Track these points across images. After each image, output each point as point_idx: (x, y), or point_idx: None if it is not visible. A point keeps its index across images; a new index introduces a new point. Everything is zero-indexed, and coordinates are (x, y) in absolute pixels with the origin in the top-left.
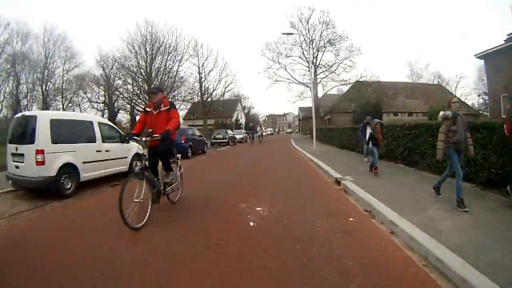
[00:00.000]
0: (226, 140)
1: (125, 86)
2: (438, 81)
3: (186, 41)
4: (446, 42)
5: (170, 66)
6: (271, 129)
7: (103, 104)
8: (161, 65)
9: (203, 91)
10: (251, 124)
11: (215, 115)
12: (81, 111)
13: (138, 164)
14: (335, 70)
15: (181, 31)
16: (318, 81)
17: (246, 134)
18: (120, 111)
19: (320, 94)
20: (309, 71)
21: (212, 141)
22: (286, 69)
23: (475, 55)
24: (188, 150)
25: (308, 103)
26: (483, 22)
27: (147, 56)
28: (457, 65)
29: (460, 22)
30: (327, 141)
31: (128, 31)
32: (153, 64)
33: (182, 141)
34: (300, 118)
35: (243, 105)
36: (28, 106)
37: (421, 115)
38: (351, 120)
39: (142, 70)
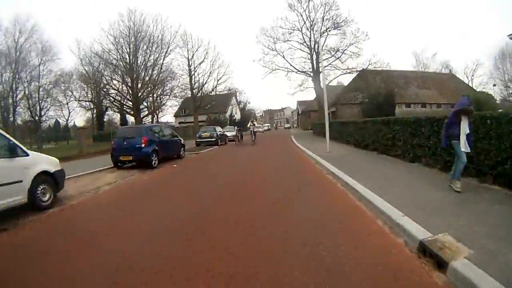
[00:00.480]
0: (214, 139)
1: (112, 82)
2: (450, 70)
3: (173, 30)
4: (455, 31)
5: (156, 58)
6: (269, 124)
7: (90, 103)
8: (147, 57)
9: (193, 85)
10: (236, 120)
11: (207, 110)
12: (69, 111)
13: None
14: (339, 57)
15: (167, 19)
16: (321, 69)
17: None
18: (108, 109)
19: (322, 85)
20: (310, 57)
21: (197, 140)
22: (284, 57)
23: (508, 35)
24: (152, 157)
25: (308, 96)
26: (494, 12)
27: (130, 48)
28: (467, 54)
29: (469, 11)
30: (338, 138)
31: (110, 21)
32: (137, 57)
33: (142, 145)
34: (299, 112)
35: (238, 100)
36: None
37: (435, 106)
38: (359, 112)
39: (124, 63)
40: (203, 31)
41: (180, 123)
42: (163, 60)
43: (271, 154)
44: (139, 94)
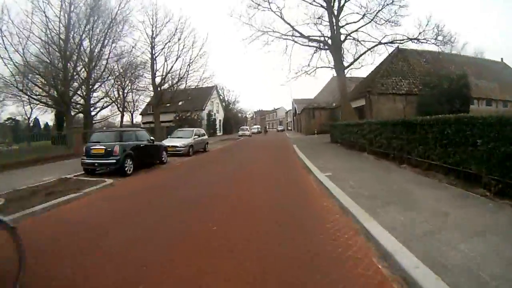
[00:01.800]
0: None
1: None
2: (502, 58)
3: None
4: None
5: (101, 38)
6: (258, 126)
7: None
8: (89, 36)
9: (154, 72)
10: (216, 120)
11: (179, 107)
12: (31, 108)
13: None
14: (373, 19)
15: None
16: (342, 37)
17: (195, 139)
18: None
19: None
20: (329, 17)
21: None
22: (281, 15)
23: None
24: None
25: (308, 93)
26: None
27: (60, 21)
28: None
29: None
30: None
31: None
32: (71, 34)
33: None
34: (296, 112)
35: (222, 97)
36: None
37: (501, 104)
38: (406, 108)
39: (54, 46)
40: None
41: (145, 123)
42: (111, 41)
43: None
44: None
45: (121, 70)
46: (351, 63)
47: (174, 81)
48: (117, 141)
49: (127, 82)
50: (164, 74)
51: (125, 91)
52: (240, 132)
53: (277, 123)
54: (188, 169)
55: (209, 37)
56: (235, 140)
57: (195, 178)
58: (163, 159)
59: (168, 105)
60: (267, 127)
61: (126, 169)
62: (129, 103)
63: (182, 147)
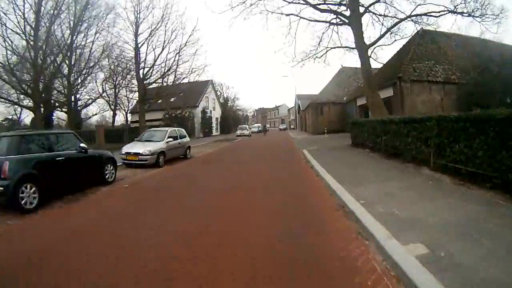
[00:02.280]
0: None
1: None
2: None
3: None
4: None
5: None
6: (259, 125)
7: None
8: (61, 21)
9: (139, 64)
10: (212, 118)
11: (170, 105)
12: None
13: None
14: None
15: None
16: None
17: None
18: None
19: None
20: None
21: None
22: None
23: None
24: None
25: (312, 90)
26: None
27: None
28: None
29: None
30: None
31: None
32: (42, 21)
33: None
34: (300, 108)
35: (218, 92)
36: None
37: None
38: (445, 99)
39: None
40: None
41: (134, 122)
42: (90, 28)
43: None
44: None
45: (112, 66)
46: (377, 40)
47: (161, 73)
48: (11, 154)
49: (119, 78)
50: (150, 65)
51: (116, 87)
52: (239, 132)
53: (279, 121)
54: (141, 198)
55: (205, 29)
56: (231, 141)
57: (134, 230)
58: (107, 176)
59: (159, 101)
60: (268, 125)
61: (23, 201)
62: (123, 100)
63: (148, 155)
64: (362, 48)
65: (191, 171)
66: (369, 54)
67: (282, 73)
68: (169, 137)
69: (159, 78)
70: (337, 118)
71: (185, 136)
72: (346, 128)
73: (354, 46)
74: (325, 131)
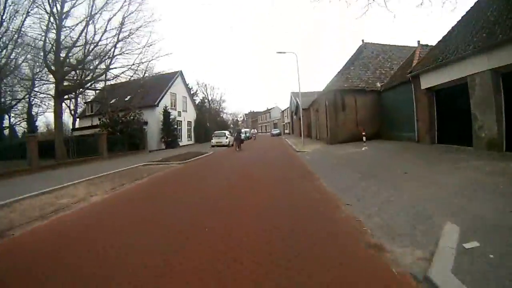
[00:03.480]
0: None
1: None
2: None
3: None
4: None
5: None
6: (247, 129)
7: None
8: None
9: (60, 40)
10: (174, 121)
11: (115, 104)
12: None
13: None
14: None
15: None
16: None
17: None
18: None
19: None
20: None
21: None
22: None
23: None
24: None
25: (312, 89)
26: None
27: None
28: None
29: None
30: None
31: None
32: None
33: None
34: (297, 109)
35: (193, 90)
36: None
37: None
38: None
39: None
40: None
41: (79, 129)
42: None
43: None
44: None
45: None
46: None
47: (95, 55)
48: None
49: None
50: (72, 43)
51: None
52: (214, 141)
53: (271, 125)
54: None
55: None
56: (195, 158)
57: None
58: None
59: (112, 102)
60: (255, 130)
61: None
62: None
63: None
64: None
65: None
66: None
67: (279, 74)
68: None
69: (90, 62)
70: (369, 115)
71: None
72: (382, 130)
73: None
74: (363, 136)
